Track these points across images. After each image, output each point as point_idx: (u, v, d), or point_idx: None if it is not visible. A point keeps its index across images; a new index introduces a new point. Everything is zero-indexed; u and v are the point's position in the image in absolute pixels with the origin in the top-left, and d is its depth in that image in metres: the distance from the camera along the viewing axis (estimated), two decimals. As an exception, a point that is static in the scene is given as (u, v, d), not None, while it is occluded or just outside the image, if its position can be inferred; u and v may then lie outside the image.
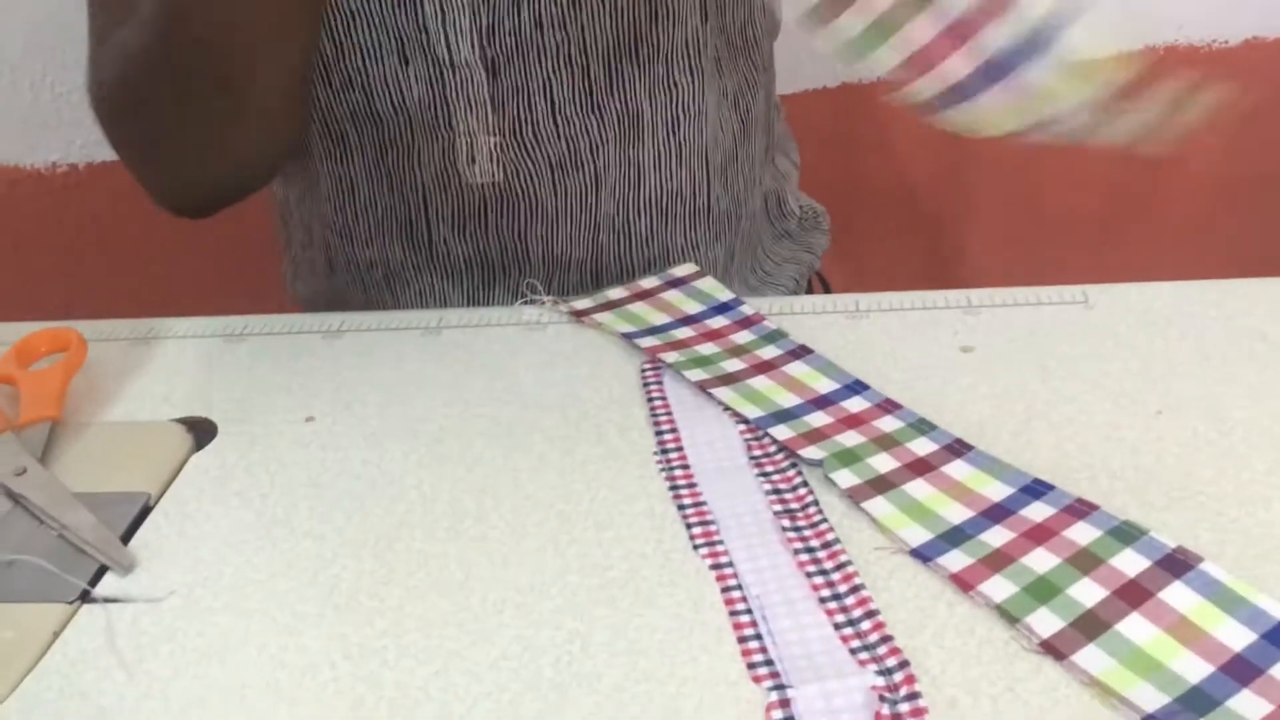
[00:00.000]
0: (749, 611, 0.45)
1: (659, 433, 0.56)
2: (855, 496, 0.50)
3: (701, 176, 0.76)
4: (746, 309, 0.65)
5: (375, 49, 0.68)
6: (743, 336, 0.62)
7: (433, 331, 0.66)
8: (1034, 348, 0.59)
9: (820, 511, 0.50)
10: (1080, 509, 0.48)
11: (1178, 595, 0.43)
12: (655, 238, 0.77)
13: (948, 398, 0.56)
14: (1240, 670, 0.40)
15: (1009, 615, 0.44)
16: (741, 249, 0.83)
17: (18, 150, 1.14)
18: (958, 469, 0.51)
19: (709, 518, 0.50)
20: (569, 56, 0.69)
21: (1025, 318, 0.62)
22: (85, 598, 0.49)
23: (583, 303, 0.67)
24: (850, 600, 0.45)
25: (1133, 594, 0.44)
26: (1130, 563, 0.45)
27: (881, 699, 0.41)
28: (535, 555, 0.49)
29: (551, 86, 0.70)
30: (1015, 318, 0.62)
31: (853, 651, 0.43)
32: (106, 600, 0.49)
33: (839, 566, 0.47)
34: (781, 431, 0.54)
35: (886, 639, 0.43)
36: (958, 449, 0.52)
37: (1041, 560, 0.45)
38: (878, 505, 0.49)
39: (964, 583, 0.45)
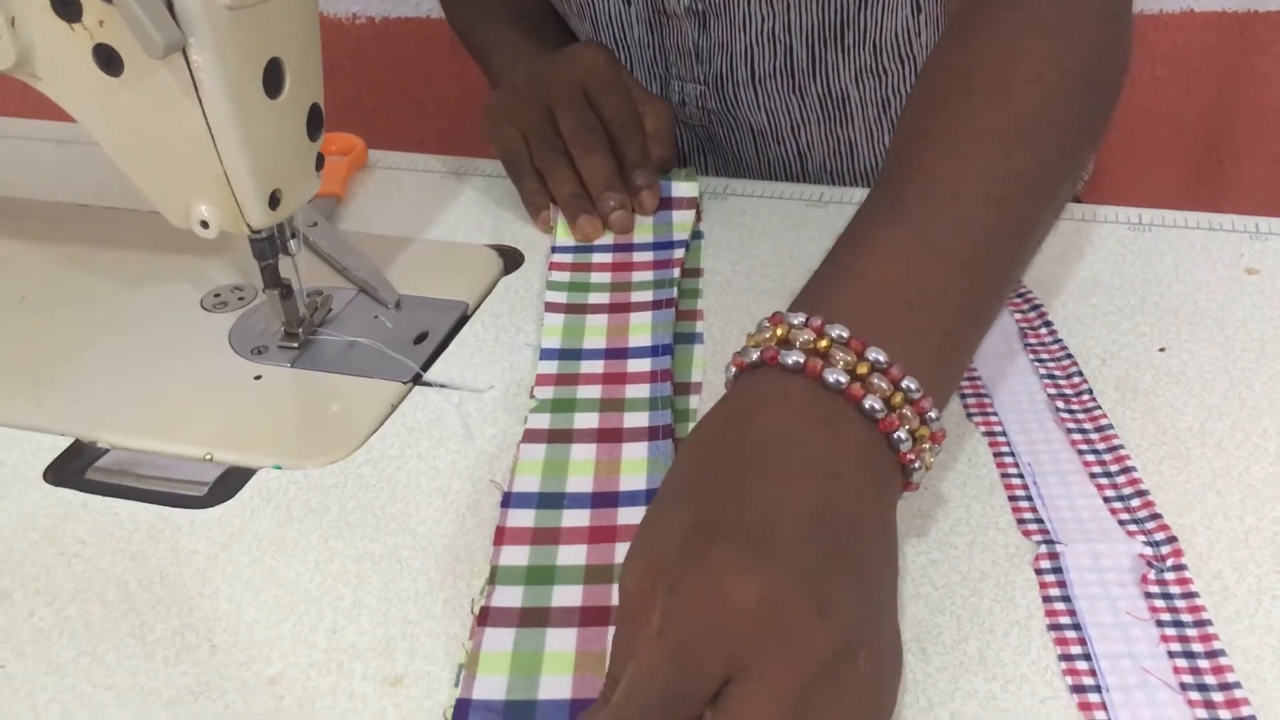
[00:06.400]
0: (1020, 475, 0.49)
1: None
2: None
3: None
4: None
5: None
6: None
7: (719, 196, 0.71)
8: (1322, 280, 0.60)
9: (1094, 398, 0.52)
10: None
11: None
12: None
13: (1231, 314, 0.57)
14: None
15: None
16: None
17: (323, 0, 1.23)
18: None
19: (984, 391, 0.53)
20: (772, 31, 0.71)
21: (1314, 251, 0.62)
22: (418, 380, 0.56)
23: None
24: (1121, 479, 0.48)
25: None
26: None
27: (1149, 565, 0.43)
28: (817, 400, 0.53)
29: (753, 55, 0.72)
30: (1305, 249, 0.62)
31: (1121, 523, 0.46)
32: (438, 385, 0.55)
33: (1111, 449, 0.49)
34: None
35: (1155, 516, 0.46)
36: None
37: None
38: None
39: None
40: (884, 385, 0.39)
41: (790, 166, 0.79)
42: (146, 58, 0.46)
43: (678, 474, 0.39)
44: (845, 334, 0.39)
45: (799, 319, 0.40)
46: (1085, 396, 0.52)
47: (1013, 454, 0.50)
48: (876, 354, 0.39)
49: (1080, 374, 0.54)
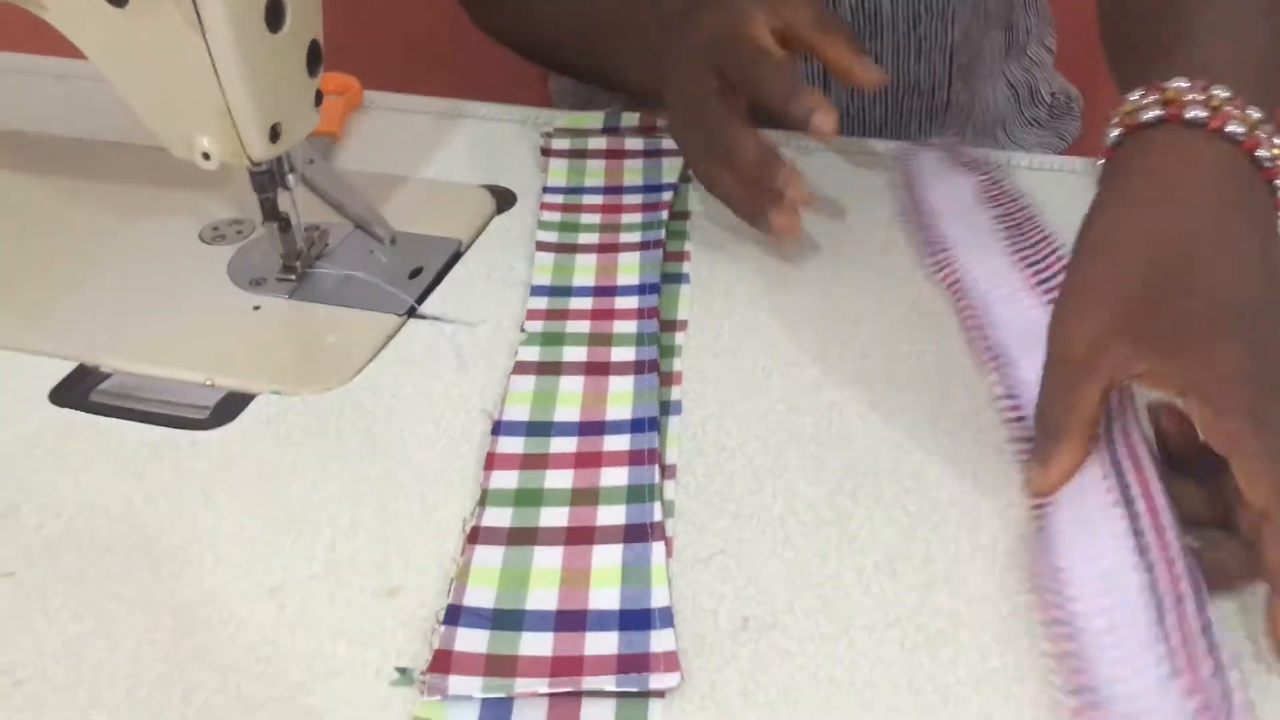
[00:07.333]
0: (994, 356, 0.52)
1: (927, 234, 0.61)
2: None
3: (944, 72, 0.78)
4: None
5: None
6: None
7: (709, 142, 0.72)
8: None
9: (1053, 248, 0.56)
10: None
11: None
12: (888, 127, 0.80)
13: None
14: None
15: None
16: (974, 136, 0.85)
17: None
18: None
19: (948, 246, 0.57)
20: None
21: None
22: (412, 313, 0.57)
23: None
24: None
25: None
26: None
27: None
28: (801, 335, 0.55)
29: None
30: None
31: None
32: (431, 318, 0.57)
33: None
34: None
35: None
36: None
37: None
38: None
39: None
40: (1275, 139, 0.42)
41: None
42: (151, -10, 0.47)
43: (1140, 239, 0.42)
44: (1228, 93, 0.42)
45: (1182, 83, 0.43)
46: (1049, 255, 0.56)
47: (988, 347, 0.52)
48: (1255, 112, 0.42)
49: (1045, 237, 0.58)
